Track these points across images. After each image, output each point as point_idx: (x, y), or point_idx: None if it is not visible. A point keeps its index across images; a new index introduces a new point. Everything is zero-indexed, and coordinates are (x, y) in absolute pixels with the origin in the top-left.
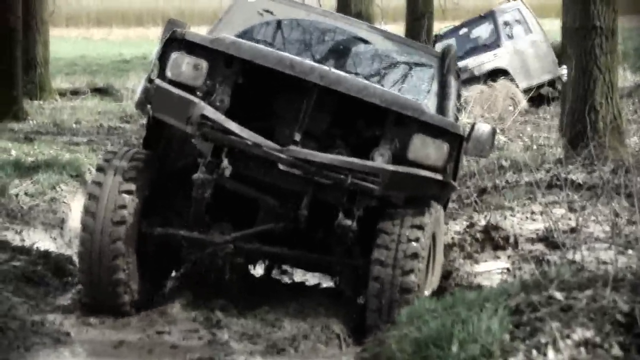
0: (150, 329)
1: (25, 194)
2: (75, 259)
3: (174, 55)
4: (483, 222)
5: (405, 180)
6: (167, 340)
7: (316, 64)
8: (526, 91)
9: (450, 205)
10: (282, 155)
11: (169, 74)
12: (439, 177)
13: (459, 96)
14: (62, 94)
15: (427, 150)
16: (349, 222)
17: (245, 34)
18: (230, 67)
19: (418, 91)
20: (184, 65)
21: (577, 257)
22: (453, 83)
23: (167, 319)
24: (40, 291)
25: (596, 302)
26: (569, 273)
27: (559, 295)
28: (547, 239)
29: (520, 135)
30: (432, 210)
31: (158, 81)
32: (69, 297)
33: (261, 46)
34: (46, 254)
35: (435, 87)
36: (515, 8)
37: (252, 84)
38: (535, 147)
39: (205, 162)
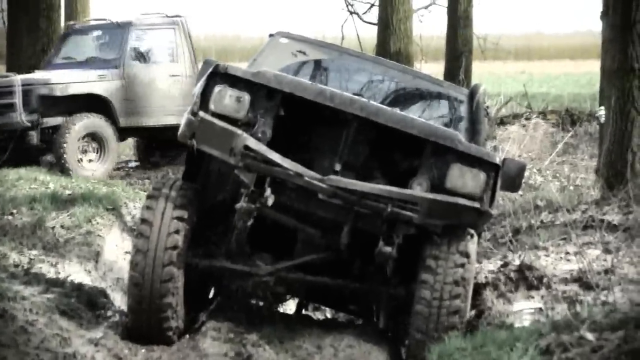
0: None
1: (62, 226)
2: (109, 292)
3: (217, 89)
4: (517, 262)
5: (444, 208)
6: None
7: (355, 97)
8: (128, 131)
9: (485, 244)
10: (323, 185)
11: (212, 106)
12: (476, 205)
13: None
14: None
15: (464, 179)
16: (389, 249)
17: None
18: (271, 99)
19: (448, 127)
20: (226, 98)
21: (610, 299)
22: (483, 120)
23: (199, 353)
24: (72, 324)
25: (627, 344)
26: (601, 314)
27: (590, 336)
28: (581, 280)
29: (557, 175)
30: (474, 238)
31: (202, 114)
32: (101, 330)
33: (302, 79)
34: (80, 287)
35: (465, 123)
36: (166, 24)
37: (292, 116)
38: (571, 187)
39: (248, 192)
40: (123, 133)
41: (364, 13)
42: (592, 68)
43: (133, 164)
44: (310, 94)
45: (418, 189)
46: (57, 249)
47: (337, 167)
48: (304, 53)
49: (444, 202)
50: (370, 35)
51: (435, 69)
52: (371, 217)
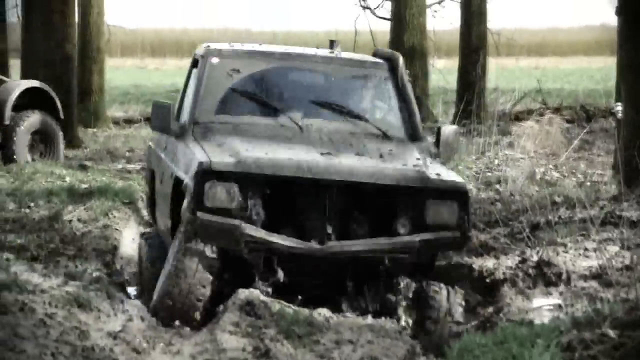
0: (199, 357)
1: (79, 220)
2: (126, 285)
3: (207, 185)
4: (535, 258)
5: (431, 244)
6: None
7: (328, 161)
8: None
9: (502, 240)
10: (324, 253)
11: (207, 204)
12: (457, 234)
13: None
14: (116, 122)
15: (440, 213)
16: (393, 297)
17: (225, 105)
18: (256, 182)
19: (383, 110)
20: (217, 192)
21: (631, 296)
22: (412, 97)
23: (217, 347)
24: (91, 317)
25: None
26: (622, 311)
27: (612, 333)
28: (601, 277)
29: (574, 171)
30: None
31: (200, 214)
32: (119, 324)
33: (279, 157)
34: (98, 280)
35: (396, 102)
36: None
37: (276, 190)
38: (588, 183)
39: (259, 273)
40: None
41: (376, 8)
42: (607, 63)
43: None
44: (290, 171)
45: (402, 231)
46: (74, 242)
47: (329, 229)
48: (238, 71)
49: (430, 239)
50: (383, 30)
51: (448, 64)
52: (370, 266)
